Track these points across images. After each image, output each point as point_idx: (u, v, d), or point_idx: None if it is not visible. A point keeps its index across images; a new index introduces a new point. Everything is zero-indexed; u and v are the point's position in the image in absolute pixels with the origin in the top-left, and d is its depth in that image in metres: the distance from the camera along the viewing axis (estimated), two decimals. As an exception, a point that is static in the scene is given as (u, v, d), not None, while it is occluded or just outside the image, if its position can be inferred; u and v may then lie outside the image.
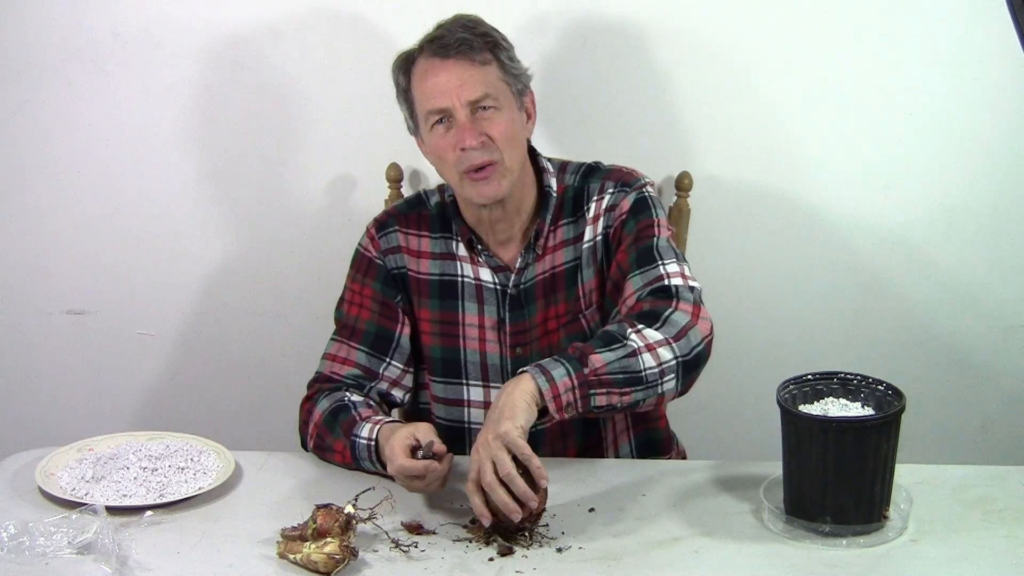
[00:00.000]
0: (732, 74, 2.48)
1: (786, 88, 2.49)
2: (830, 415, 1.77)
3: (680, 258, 1.95)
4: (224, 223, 2.61)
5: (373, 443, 1.90)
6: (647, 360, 1.77)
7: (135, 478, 1.91)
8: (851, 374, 1.84)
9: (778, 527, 1.78)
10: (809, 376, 1.84)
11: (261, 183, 2.58)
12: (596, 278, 2.04)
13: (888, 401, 1.79)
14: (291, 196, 2.58)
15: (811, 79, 2.48)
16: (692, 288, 1.88)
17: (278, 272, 2.63)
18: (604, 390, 1.75)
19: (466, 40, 1.93)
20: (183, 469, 1.94)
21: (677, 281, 1.88)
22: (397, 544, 1.72)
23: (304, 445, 2.05)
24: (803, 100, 2.49)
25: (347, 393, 2.02)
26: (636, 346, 1.76)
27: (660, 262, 1.91)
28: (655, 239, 1.95)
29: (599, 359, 1.75)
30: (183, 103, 2.53)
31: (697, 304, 1.86)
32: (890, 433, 1.74)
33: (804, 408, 1.78)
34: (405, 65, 2.00)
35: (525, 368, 1.76)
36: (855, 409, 1.79)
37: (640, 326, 1.79)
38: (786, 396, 1.80)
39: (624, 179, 2.04)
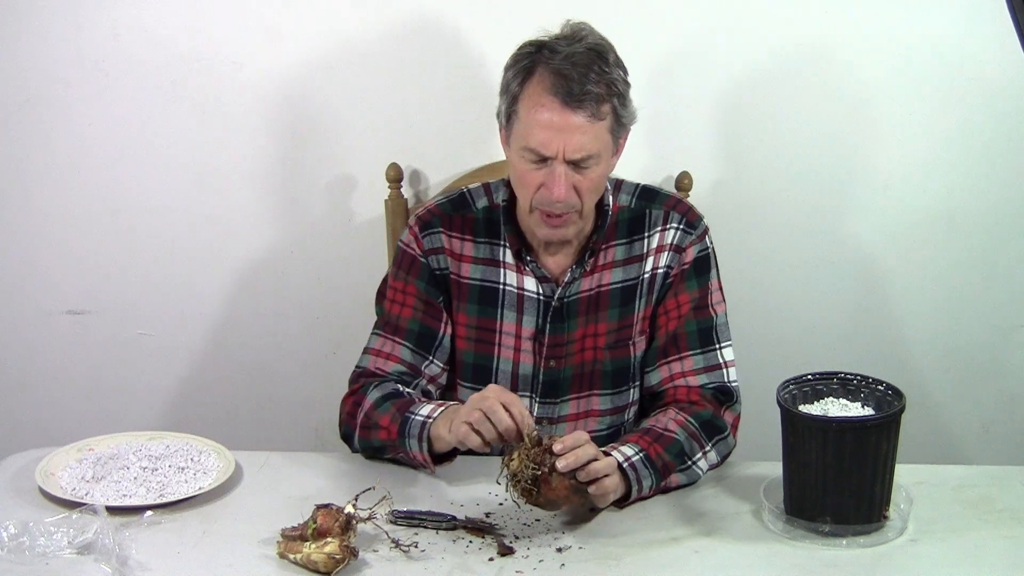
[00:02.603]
0: (732, 74, 2.48)
1: (786, 88, 2.49)
2: (830, 415, 1.77)
3: (728, 333, 2.06)
4: (224, 223, 2.60)
5: (431, 420, 1.88)
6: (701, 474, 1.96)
7: (135, 478, 1.91)
8: (851, 374, 1.84)
9: (778, 527, 1.78)
10: (809, 376, 1.84)
11: (261, 183, 2.58)
12: (649, 308, 2.04)
13: (888, 401, 1.79)
14: (291, 196, 2.58)
15: (810, 79, 2.48)
16: (735, 381, 2.04)
17: (278, 272, 2.63)
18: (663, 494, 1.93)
19: (591, 93, 1.84)
20: (183, 469, 1.94)
21: (733, 377, 2.04)
22: (397, 544, 1.71)
23: (347, 437, 2.02)
24: (803, 100, 2.49)
25: (399, 386, 2.00)
26: (700, 475, 1.94)
27: (718, 346, 2.04)
28: (714, 319, 2.04)
29: (675, 480, 1.91)
30: (183, 103, 2.52)
31: (738, 413, 2.04)
32: (890, 433, 1.74)
33: (804, 408, 1.79)
34: (524, 73, 1.89)
35: (622, 464, 1.82)
36: (855, 409, 1.79)
37: (707, 447, 1.95)
38: (786, 396, 1.81)
39: (689, 216, 2.04)
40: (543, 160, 1.88)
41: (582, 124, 1.85)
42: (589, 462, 1.75)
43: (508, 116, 1.93)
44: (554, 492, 1.73)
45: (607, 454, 1.82)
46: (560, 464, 1.72)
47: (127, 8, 2.48)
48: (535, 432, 1.76)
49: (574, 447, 1.74)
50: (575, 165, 1.88)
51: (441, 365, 2.06)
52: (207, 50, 2.49)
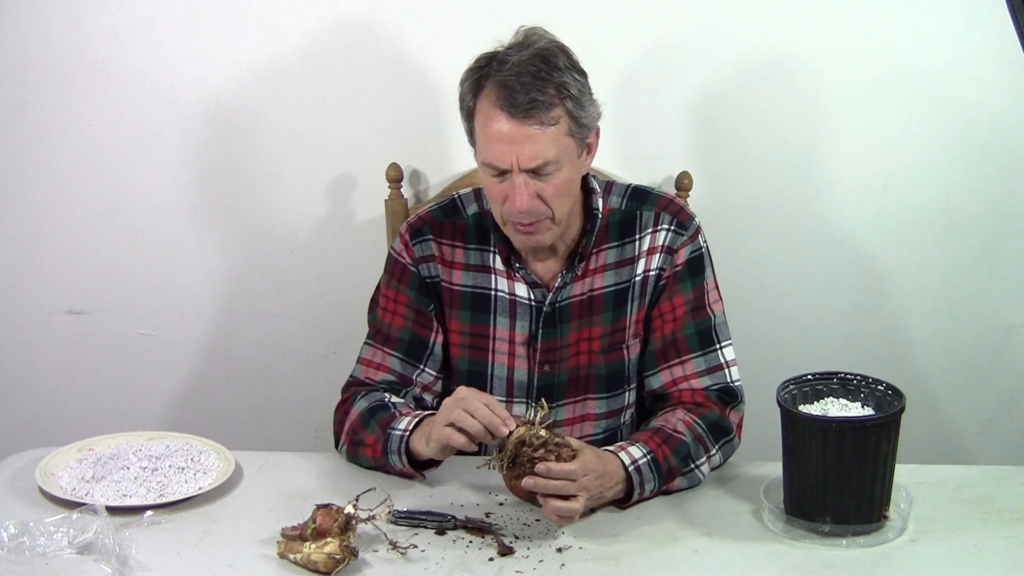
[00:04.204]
0: (732, 74, 2.48)
1: (786, 88, 2.49)
2: (830, 415, 1.77)
3: (728, 332, 2.06)
4: (224, 223, 2.61)
5: (407, 433, 1.89)
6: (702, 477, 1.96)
7: (135, 478, 1.91)
8: (851, 374, 1.84)
9: (778, 527, 1.78)
10: (809, 376, 1.84)
11: (261, 183, 2.58)
12: (642, 311, 2.04)
13: (888, 401, 1.79)
14: (291, 196, 2.58)
15: (810, 79, 2.48)
16: (738, 381, 2.04)
17: (278, 272, 2.63)
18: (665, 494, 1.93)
19: (536, 101, 1.82)
20: (183, 469, 1.94)
21: (735, 376, 2.03)
22: (395, 546, 1.71)
23: (337, 445, 2.03)
24: (803, 100, 2.49)
25: (386, 395, 2.00)
26: (701, 479, 1.94)
27: (719, 347, 2.03)
28: (712, 318, 2.03)
29: (677, 484, 1.91)
30: (183, 103, 2.53)
31: (742, 413, 2.03)
32: (890, 433, 1.74)
33: (804, 408, 1.79)
34: (474, 88, 1.89)
35: (628, 467, 1.84)
36: (855, 409, 1.79)
37: (713, 451, 1.95)
38: (786, 396, 1.81)
39: (680, 217, 2.02)
40: (502, 173, 1.88)
41: (533, 133, 1.84)
42: (559, 496, 1.74)
43: (470, 133, 1.94)
44: (513, 488, 1.78)
45: (614, 453, 1.84)
46: (524, 482, 1.73)
47: (127, 8, 2.48)
48: (549, 434, 1.75)
49: (557, 475, 1.73)
50: (535, 173, 1.87)
51: (434, 373, 2.06)
52: (207, 50, 2.49)
